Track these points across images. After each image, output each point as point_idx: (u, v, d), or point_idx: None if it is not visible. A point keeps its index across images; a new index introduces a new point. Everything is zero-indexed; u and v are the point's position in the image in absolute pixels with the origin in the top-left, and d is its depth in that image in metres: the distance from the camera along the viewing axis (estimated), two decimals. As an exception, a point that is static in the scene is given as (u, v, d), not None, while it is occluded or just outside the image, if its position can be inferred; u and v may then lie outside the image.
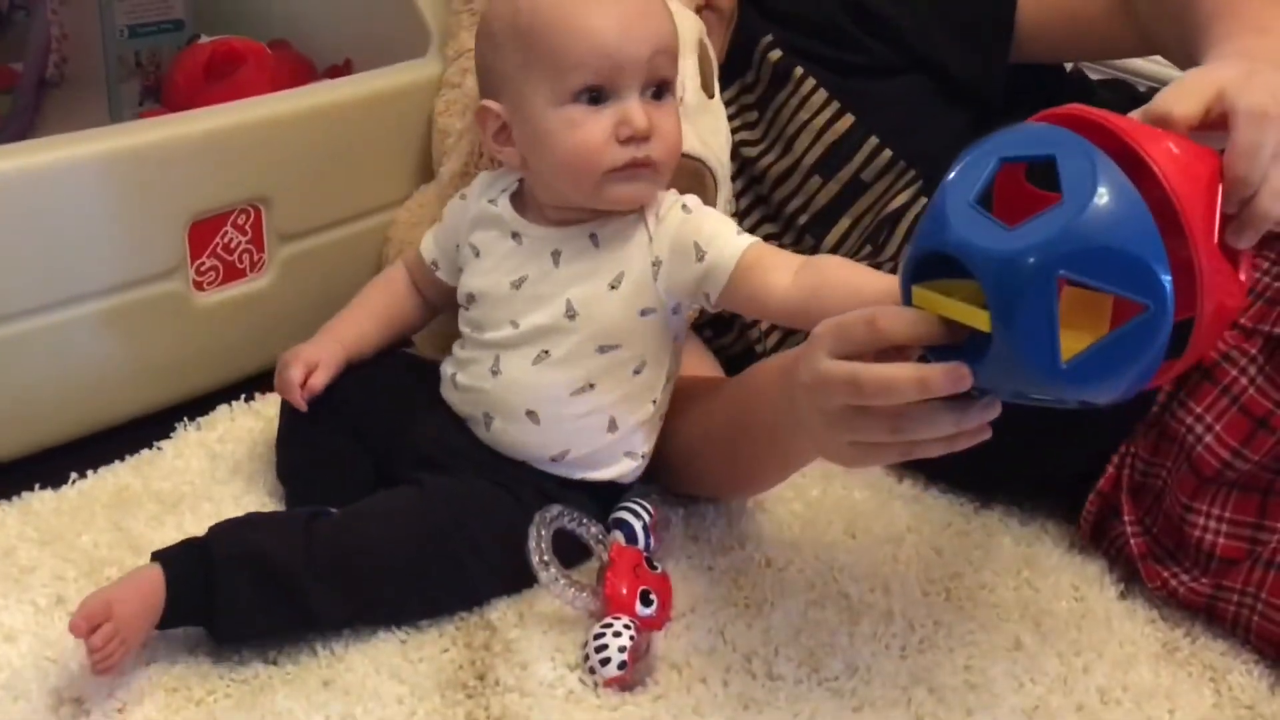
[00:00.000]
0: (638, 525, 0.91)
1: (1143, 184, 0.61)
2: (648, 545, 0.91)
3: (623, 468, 0.93)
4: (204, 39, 1.34)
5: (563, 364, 0.89)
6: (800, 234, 1.08)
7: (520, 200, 0.92)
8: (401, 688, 0.81)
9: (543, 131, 0.86)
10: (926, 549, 0.97)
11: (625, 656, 0.80)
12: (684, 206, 0.89)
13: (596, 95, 0.84)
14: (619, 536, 0.90)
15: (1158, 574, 0.92)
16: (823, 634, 0.87)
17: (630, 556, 0.86)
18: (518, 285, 0.90)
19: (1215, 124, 0.66)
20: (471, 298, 0.93)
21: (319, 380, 0.95)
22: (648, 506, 0.93)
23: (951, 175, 0.65)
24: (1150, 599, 0.93)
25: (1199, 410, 0.92)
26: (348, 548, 0.84)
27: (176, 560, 0.81)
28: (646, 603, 0.84)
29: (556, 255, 0.89)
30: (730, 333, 1.10)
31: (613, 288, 0.88)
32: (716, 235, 0.86)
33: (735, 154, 1.11)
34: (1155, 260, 0.60)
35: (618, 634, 0.81)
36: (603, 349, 0.88)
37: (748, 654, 0.85)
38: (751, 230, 1.09)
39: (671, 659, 0.84)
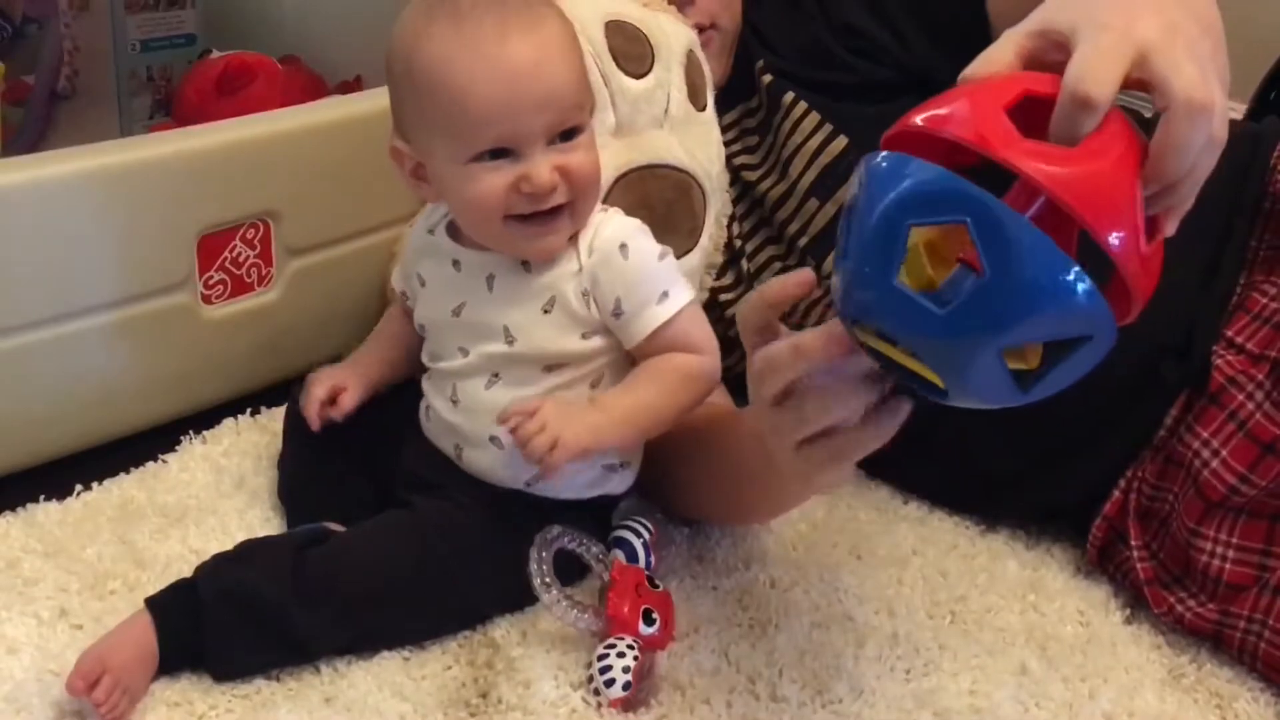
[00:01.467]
0: (638, 543, 0.91)
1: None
2: (648, 563, 0.91)
3: (605, 484, 0.91)
4: (215, 54, 1.34)
5: (514, 387, 0.87)
6: (802, 256, 1.08)
7: (457, 226, 0.90)
8: (404, 705, 0.80)
9: (445, 181, 0.84)
10: (932, 571, 0.97)
11: (629, 677, 0.80)
12: (622, 246, 0.86)
13: (498, 153, 0.81)
14: (619, 555, 0.90)
15: (1164, 599, 0.92)
16: (827, 656, 0.86)
17: (632, 575, 0.86)
18: (458, 312, 0.89)
19: (1129, 85, 0.61)
20: (423, 327, 0.93)
21: (348, 402, 0.94)
22: (648, 524, 0.93)
23: (863, 243, 0.62)
24: (1156, 625, 0.93)
25: (1206, 435, 0.91)
26: (339, 576, 0.83)
27: (165, 605, 0.81)
28: (649, 622, 0.84)
29: (490, 280, 0.87)
30: (734, 354, 1.10)
31: (545, 312, 0.86)
32: (638, 302, 0.85)
33: (737, 177, 1.11)
34: (1090, 300, 0.58)
35: (621, 654, 0.81)
36: (549, 369, 0.87)
37: (751, 675, 0.84)
38: (755, 253, 1.10)
39: (675, 679, 0.84)
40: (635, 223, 0.89)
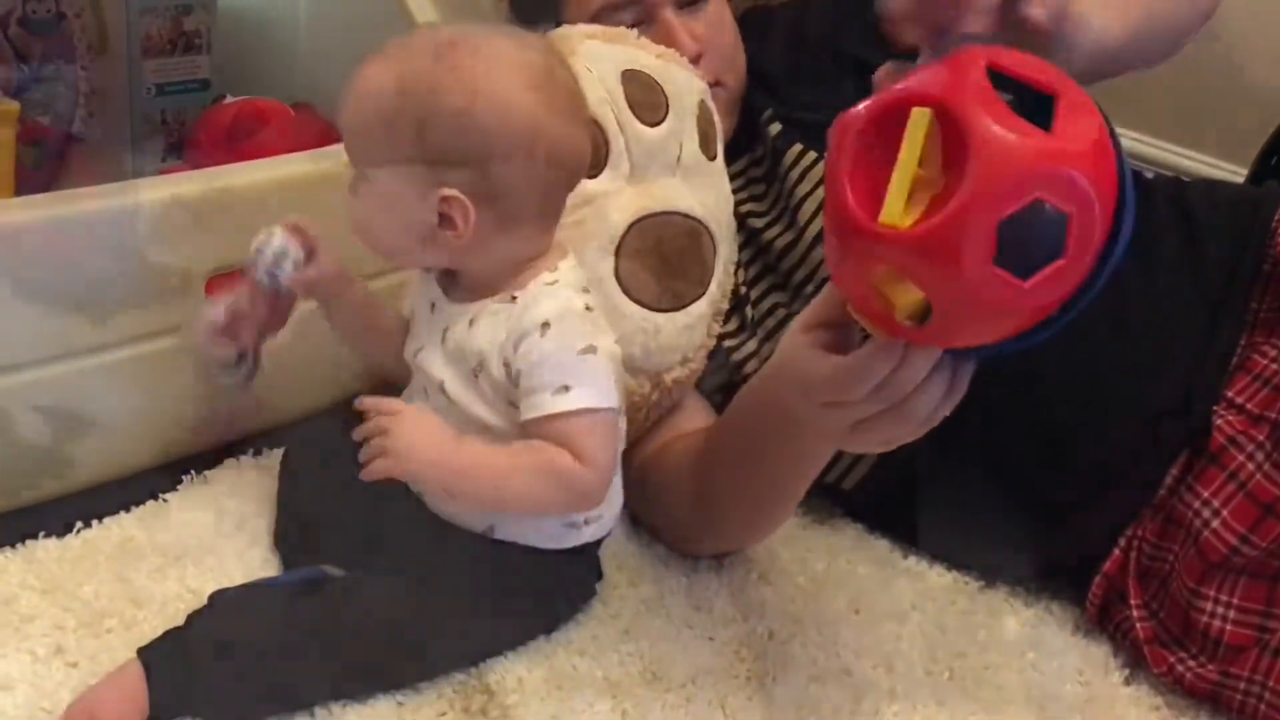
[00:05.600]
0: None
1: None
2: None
3: (568, 537, 0.89)
4: (229, 99, 1.36)
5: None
6: (808, 303, 1.08)
7: (449, 270, 0.88)
8: (397, 751, 0.80)
9: None
10: (931, 627, 0.96)
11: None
12: (545, 325, 0.80)
13: None
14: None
15: (1164, 659, 0.91)
16: (824, 710, 0.86)
17: None
18: (415, 355, 0.88)
19: None
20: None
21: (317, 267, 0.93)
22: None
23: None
24: (1156, 685, 0.92)
25: (1206, 495, 0.91)
26: (334, 627, 0.83)
27: (157, 655, 0.81)
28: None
29: (445, 332, 0.86)
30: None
31: (475, 375, 0.83)
32: (533, 385, 0.80)
33: (743, 225, 1.12)
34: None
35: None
36: (487, 431, 0.84)
37: (748, 728, 0.84)
38: (760, 300, 1.10)
39: (671, 730, 0.83)
40: (577, 307, 0.83)
